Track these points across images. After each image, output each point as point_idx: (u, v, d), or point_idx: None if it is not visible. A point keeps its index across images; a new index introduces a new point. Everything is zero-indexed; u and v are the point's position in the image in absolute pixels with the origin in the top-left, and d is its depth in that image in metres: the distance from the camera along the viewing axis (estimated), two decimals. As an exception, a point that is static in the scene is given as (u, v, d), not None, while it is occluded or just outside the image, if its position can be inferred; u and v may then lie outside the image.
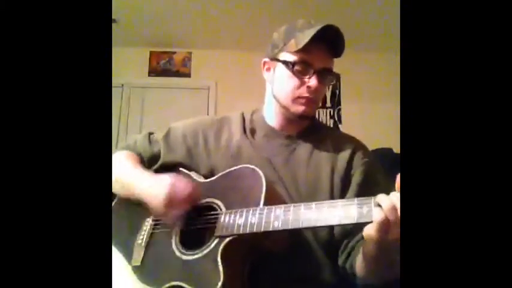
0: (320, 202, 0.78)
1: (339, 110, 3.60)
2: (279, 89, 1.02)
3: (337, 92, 3.60)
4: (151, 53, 3.69)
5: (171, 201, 0.88)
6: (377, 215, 0.69)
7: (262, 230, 0.79)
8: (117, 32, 3.11)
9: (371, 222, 0.71)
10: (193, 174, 1.04)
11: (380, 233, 0.69)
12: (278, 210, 0.80)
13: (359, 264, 0.86)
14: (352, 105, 3.57)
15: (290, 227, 0.77)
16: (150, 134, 1.14)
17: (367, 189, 0.92)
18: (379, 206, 0.70)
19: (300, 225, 0.77)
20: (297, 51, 0.95)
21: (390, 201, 0.69)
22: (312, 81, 0.96)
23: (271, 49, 1.04)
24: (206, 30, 3.38)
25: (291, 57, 0.98)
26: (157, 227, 0.97)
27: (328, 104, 3.59)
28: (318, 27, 0.93)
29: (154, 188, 0.91)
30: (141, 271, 0.93)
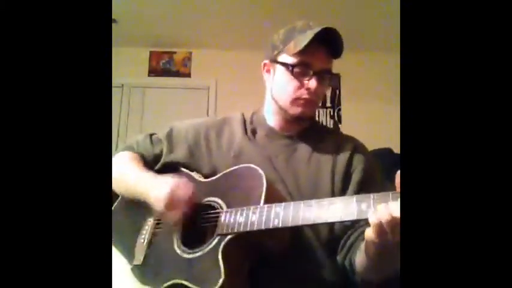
0: (320, 200, 0.78)
1: (339, 110, 3.59)
2: (279, 91, 1.02)
3: (337, 92, 3.60)
4: (151, 53, 3.69)
5: (171, 202, 0.89)
6: (372, 219, 0.70)
7: (262, 227, 0.80)
8: (117, 32, 3.11)
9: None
10: (194, 174, 1.05)
11: (379, 236, 0.70)
12: (278, 208, 0.80)
13: (359, 261, 0.86)
14: (352, 105, 3.57)
15: (290, 224, 0.78)
16: (151, 134, 1.14)
17: (367, 187, 0.95)
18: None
19: (300, 223, 0.77)
20: (296, 54, 0.95)
21: (387, 209, 0.68)
22: (312, 83, 0.96)
23: (271, 51, 1.04)
24: (206, 30, 3.38)
25: (291, 60, 0.98)
26: (159, 226, 0.98)
27: (328, 104, 3.59)
28: (317, 29, 0.93)
29: (156, 189, 0.93)
30: (142, 270, 0.94)
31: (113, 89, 2.84)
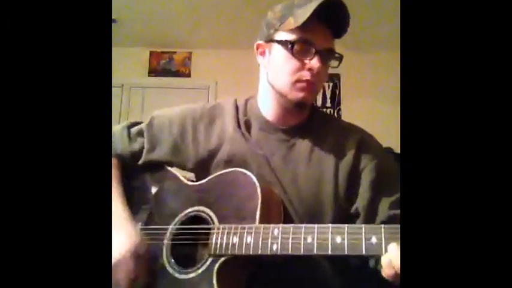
0: (323, 226, 0.71)
1: (339, 110, 3.59)
2: (276, 73, 0.90)
3: (337, 92, 3.60)
4: (151, 53, 3.69)
5: (115, 269, 0.81)
6: (386, 263, 0.64)
7: (259, 252, 0.74)
8: (117, 32, 3.11)
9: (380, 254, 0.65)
10: (177, 172, 0.97)
11: (394, 279, 0.65)
12: (276, 231, 0.74)
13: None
14: (352, 105, 3.57)
15: (290, 253, 0.72)
16: (130, 126, 1.04)
17: (382, 188, 0.86)
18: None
19: (301, 253, 0.71)
20: (296, 29, 0.85)
21: (398, 253, 0.61)
22: (314, 62, 0.85)
23: (266, 29, 0.92)
24: (206, 30, 3.38)
25: (290, 36, 0.87)
26: (146, 237, 0.90)
27: (328, 104, 3.59)
28: (319, 0, 0.83)
29: (115, 237, 0.84)
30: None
31: (113, 89, 2.84)
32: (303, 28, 0.84)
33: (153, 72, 3.68)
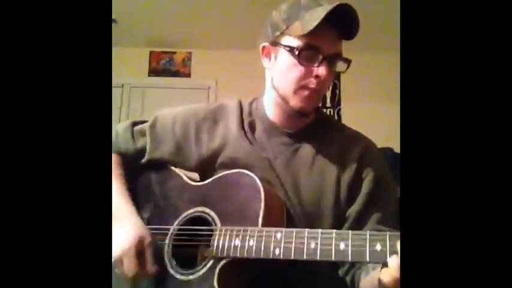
0: (327, 231, 0.70)
1: (339, 110, 3.59)
2: (281, 78, 0.88)
3: (337, 92, 3.60)
4: (151, 53, 3.69)
5: (119, 263, 0.81)
6: (393, 265, 0.62)
7: (261, 256, 0.73)
8: (117, 32, 3.11)
9: (384, 262, 0.64)
10: (180, 172, 0.97)
11: (396, 283, 0.63)
12: (279, 235, 0.73)
13: (365, 285, 0.80)
14: (352, 105, 3.57)
15: (292, 257, 0.71)
16: (134, 124, 1.03)
17: (376, 200, 0.86)
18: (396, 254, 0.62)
19: (304, 258, 0.70)
20: (303, 35, 0.82)
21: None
22: (321, 70, 0.83)
23: (271, 31, 0.89)
24: (206, 30, 3.38)
25: (296, 42, 0.84)
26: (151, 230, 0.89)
27: (328, 104, 3.59)
28: (328, 7, 0.80)
29: (117, 233, 0.83)
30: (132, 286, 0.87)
31: (113, 89, 2.84)
32: (310, 34, 0.81)
33: (153, 72, 3.69)
